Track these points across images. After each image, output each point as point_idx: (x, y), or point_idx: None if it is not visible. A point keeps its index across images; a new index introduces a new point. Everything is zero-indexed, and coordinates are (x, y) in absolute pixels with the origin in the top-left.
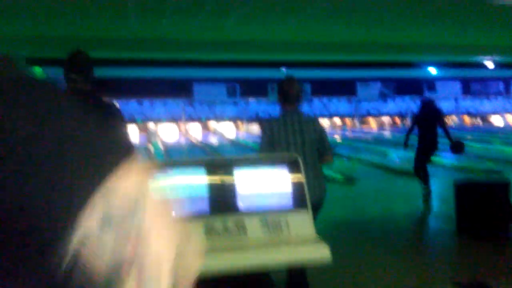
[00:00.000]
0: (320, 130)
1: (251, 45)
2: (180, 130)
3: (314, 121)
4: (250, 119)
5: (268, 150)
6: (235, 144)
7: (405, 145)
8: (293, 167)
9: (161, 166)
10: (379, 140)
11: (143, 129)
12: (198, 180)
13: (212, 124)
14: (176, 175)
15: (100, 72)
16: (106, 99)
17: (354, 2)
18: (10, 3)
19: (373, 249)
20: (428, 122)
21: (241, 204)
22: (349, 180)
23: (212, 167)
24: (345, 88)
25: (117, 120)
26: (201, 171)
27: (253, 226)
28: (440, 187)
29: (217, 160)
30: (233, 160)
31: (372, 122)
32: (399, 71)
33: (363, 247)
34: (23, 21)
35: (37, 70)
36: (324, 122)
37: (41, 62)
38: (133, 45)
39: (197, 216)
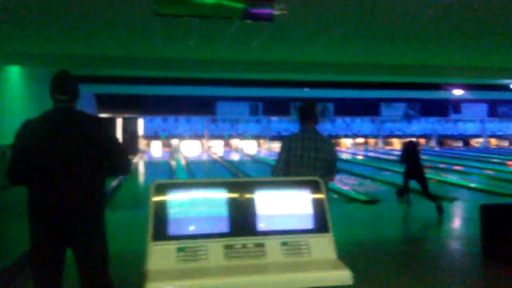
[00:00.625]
0: (333, 151)
1: (275, 65)
2: (202, 147)
3: (329, 142)
4: (272, 137)
5: (281, 166)
6: (257, 161)
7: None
8: (315, 189)
9: (184, 185)
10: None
11: (167, 145)
12: (219, 200)
13: (234, 141)
14: (197, 195)
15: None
16: (91, 114)
17: (378, 24)
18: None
19: (396, 271)
20: (410, 158)
21: (261, 225)
22: (372, 200)
23: (234, 188)
24: (369, 109)
25: (103, 130)
26: (222, 191)
27: (273, 248)
28: (466, 211)
29: (239, 181)
30: (254, 181)
31: (396, 143)
32: (425, 92)
33: (385, 268)
34: (56, 40)
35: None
36: (347, 141)
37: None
38: (160, 64)
39: (217, 236)
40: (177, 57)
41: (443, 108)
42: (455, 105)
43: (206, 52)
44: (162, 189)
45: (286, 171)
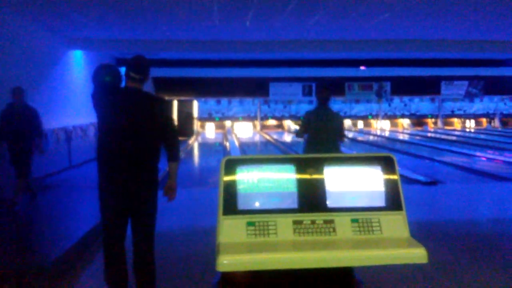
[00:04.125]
0: (340, 122)
1: (331, 44)
2: (255, 128)
3: (337, 115)
4: None
5: (302, 130)
6: None
7: None
8: (387, 166)
9: (253, 160)
10: (463, 142)
11: (220, 127)
12: (287, 176)
13: (287, 122)
14: (266, 170)
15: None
16: (157, 96)
17: None
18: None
19: (458, 252)
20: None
21: (331, 202)
22: (432, 182)
23: (303, 164)
24: (429, 87)
25: (166, 109)
26: (291, 167)
27: (343, 225)
28: None
29: (308, 157)
30: (324, 157)
31: (457, 123)
32: (488, 69)
33: (446, 249)
34: (117, 25)
35: (123, 70)
36: (404, 122)
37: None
38: (217, 46)
39: (286, 211)
40: (233, 39)
41: (507, 86)
42: None
43: (261, 32)
44: (231, 164)
45: (306, 134)
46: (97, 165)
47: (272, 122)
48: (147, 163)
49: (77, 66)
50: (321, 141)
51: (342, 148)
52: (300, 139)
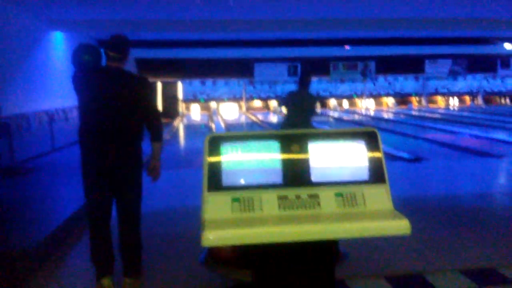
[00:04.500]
0: (315, 100)
1: (315, 23)
2: (240, 109)
3: (313, 96)
4: None
5: (282, 109)
6: None
7: None
8: (371, 141)
9: (237, 137)
10: (446, 119)
11: (206, 108)
12: (272, 152)
13: (273, 103)
14: (250, 147)
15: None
16: (138, 75)
17: None
18: None
19: (440, 226)
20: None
21: (315, 177)
22: (416, 159)
23: (287, 140)
24: (413, 66)
25: (149, 89)
26: (275, 143)
27: (327, 199)
28: None
29: (292, 133)
30: (308, 133)
31: (441, 101)
32: (472, 47)
33: (430, 224)
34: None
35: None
36: (389, 100)
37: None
38: (199, 26)
39: (271, 187)
40: (216, 18)
41: (491, 64)
42: (504, 60)
43: (245, 11)
44: (216, 141)
45: (286, 114)
46: (79, 145)
47: (257, 103)
48: (130, 142)
49: (58, 48)
50: (297, 118)
51: (315, 124)
52: (282, 114)
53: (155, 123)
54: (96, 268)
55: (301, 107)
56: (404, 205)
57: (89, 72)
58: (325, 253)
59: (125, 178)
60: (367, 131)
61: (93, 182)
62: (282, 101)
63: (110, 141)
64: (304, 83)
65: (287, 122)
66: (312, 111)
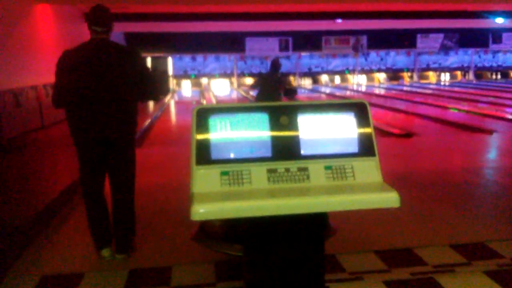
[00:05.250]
0: (286, 82)
1: None
2: (232, 85)
3: (284, 76)
4: (303, 74)
5: (255, 85)
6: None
7: None
8: (361, 112)
9: (225, 109)
10: (438, 95)
11: (197, 84)
12: (261, 125)
13: (247, 80)
14: (239, 119)
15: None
16: (124, 45)
17: None
18: None
19: (430, 200)
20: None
21: (304, 150)
22: (406, 134)
23: (276, 112)
24: (404, 41)
25: (138, 61)
26: (264, 115)
27: (317, 172)
28: (504, 143)
29: (281, 105)
30: (298, 105)
31: (432, 77)
32: (463, 21)
33: (420, 199)
34: None
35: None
36: (380, 76)
37: None
38: None
39: (260, 160)
40: None
41: (482, 39)
42: (496, 34)
43: None
44: (203, 114)
45: (259, 90)
46: (72, 119)
47: (249, 80)
48: (125, 114)
49: (45, 21)
50: (268, 93)
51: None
52: (253, 90)
53: (154, 93)
54: (95, 240)
55: (273, 86)
56: (394, 180)
57: (76, 48)
58: (314, 226)
59: (120, 151)
60: (356, 103)
61: (86, 154)
62: (257, 79)
63: (106, 113)
64: (276, 67)
65: (260, 97)
66: (281, 87)
